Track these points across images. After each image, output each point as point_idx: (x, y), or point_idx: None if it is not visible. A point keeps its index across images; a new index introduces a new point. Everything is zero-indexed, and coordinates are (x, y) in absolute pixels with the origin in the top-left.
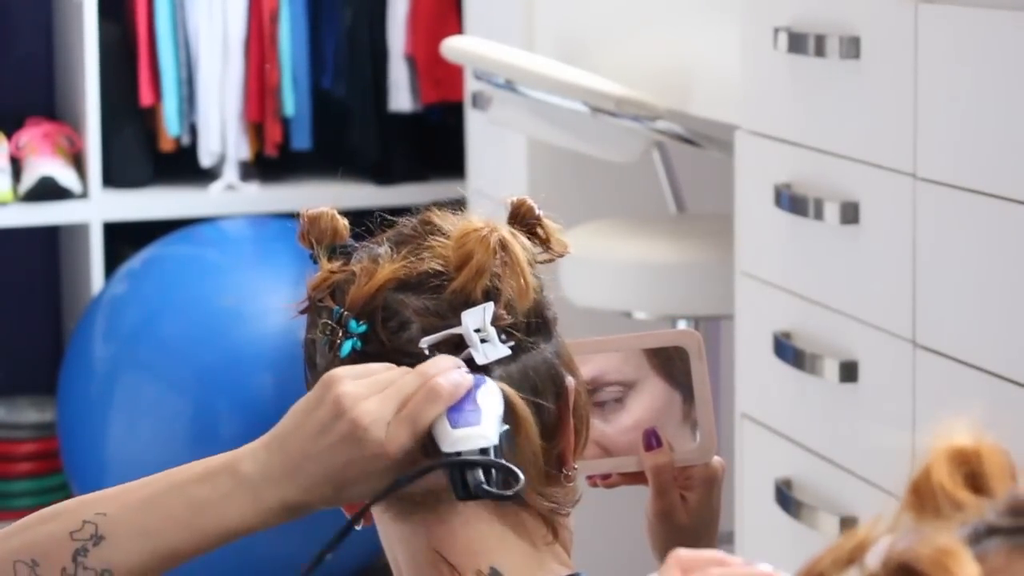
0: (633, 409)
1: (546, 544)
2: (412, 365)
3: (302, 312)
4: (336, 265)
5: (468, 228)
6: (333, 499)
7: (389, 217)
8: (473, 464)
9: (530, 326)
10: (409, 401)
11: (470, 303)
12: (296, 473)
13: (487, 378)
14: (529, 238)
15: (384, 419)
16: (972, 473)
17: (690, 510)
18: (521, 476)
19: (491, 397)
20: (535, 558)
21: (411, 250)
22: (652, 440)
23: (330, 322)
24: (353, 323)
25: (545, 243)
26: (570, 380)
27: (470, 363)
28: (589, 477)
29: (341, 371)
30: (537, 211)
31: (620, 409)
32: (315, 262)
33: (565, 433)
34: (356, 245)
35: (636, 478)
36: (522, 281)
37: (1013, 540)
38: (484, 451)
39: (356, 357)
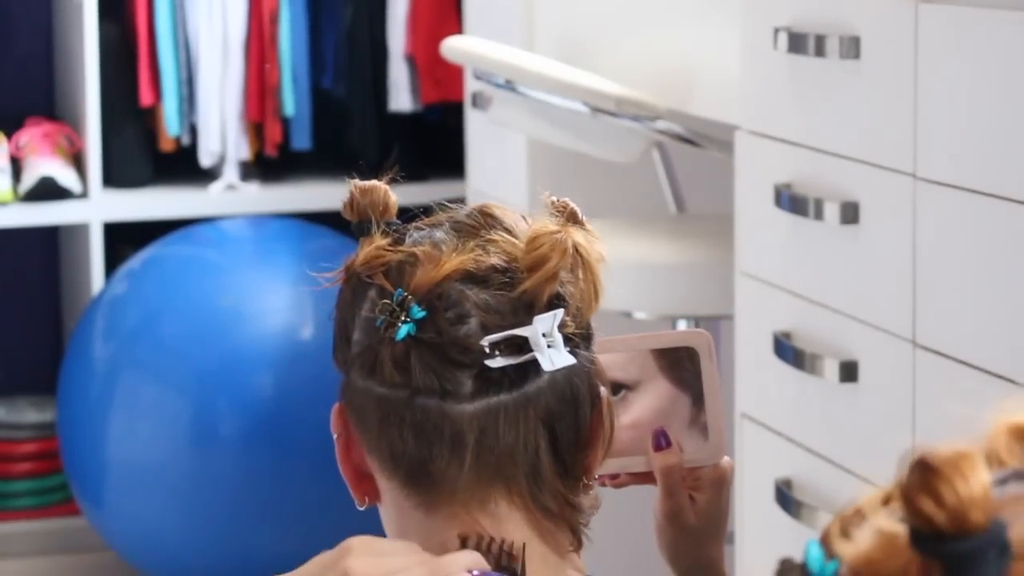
0: (633, 408)
1: (568, 552)
2: (467, 360)
3: (344, 282)
4: (387, 242)
5: (542, 230)
6: None
7: (393, 220)
8: None
9: (585, 334)
10: None
11: (536, 305)
12: None
13: None
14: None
15: None
16: None
17: (699, 511)
18: None
19: None
20: (555, 565)
21: (479, 243)
22: (662, 440)
23: (390, 302)
24: (415, 308)
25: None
26: (604, 390)
27: (522, 367)
28: (598, 476)
29: (360, 541)
30: (581, 216)
31: (620, 408)
32: (361, 235)
33: (597, 443)
34: (407, 226)
35: (645, 478)
36: (593, 289)
37: None
38: None
39: (410, 342)
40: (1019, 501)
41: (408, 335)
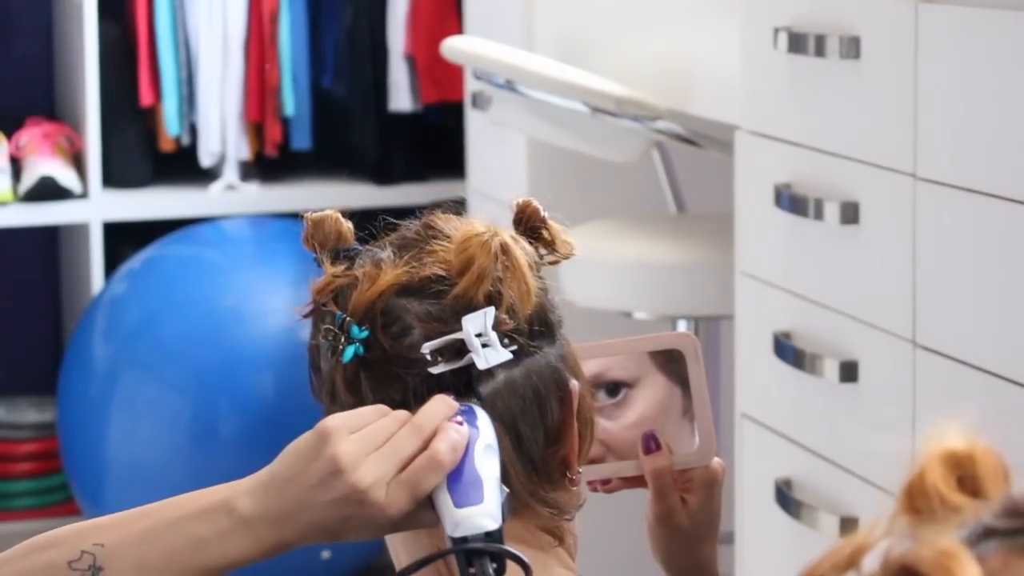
0: (636, 406)
1: (552, 547)
2: (414, 372)
3: (306, 316)
4: (340, 269)
5: (470, 233)
6: (329, 541)
7: (392, 220)
8: (480, 552)
9: (533, 330)
10: (408, 464)
11: (472, 308)
12: (293, 519)
13: (477, 410)
14: (534, 240)
15: (383, 480)
16: (965, 476)
17: (691, 512)
18: (530, 566)
19: (488, 456)
20: (540, 560)
21: (414, 255)
22: (651, 444)
23: (332, 328)
24: (355, 328)
25: (550, 245)
26: (574, 384)
27: (469, 372)
28: (589, 482)
29: (336, 423)
30: (542, 213)
31: (623, 406)
32: (319, 265)
33: (569, 437)
34: (360, 249)
35: (636, 482)
36: (524, 285)
37: (1010, 541)
38: (490, 534)
39: (358, 362)
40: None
41: (356, 355)
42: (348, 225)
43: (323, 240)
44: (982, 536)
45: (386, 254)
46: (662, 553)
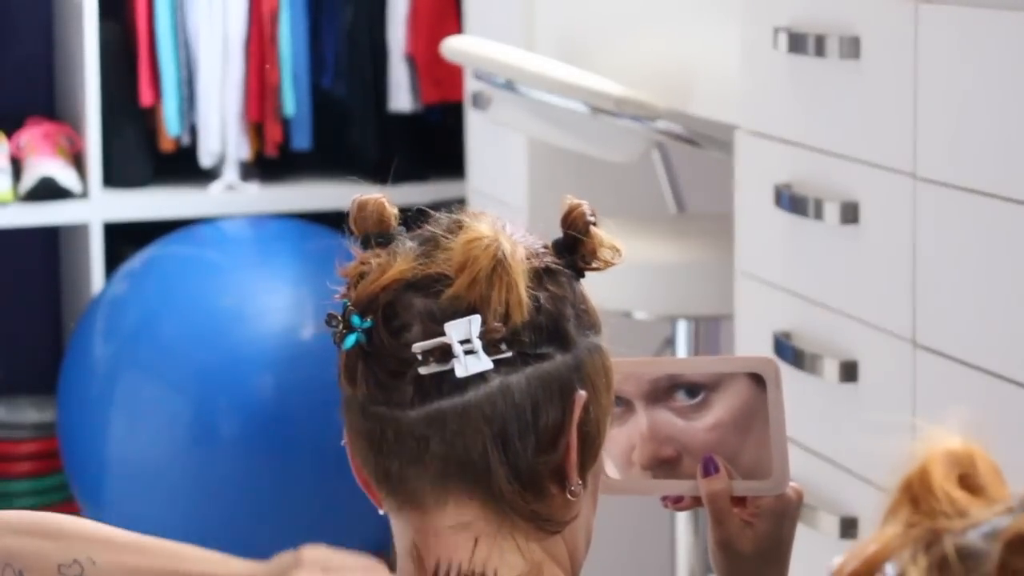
0: (715, 410)
1: (539, 561)
2: (407, 370)
3: (340, 298)
4: (369, 254)
5: (473, 236)
6: None
7: (428, 210)
8: None
9: (539, 338)
10: None
11: (464, 311)
12: None
13: None
14: (576, 245)
15: None
16: (966, 475)
17: (755, 539)
18: None
19: None
20: (533, 566)
21: (428, 250)
22: (710, 467)
23: (336, 314)
24: (356, 318)
25: (591, 253)
26: (581, 393)
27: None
28: (663, 498)
29: (314, 555)
30: (588, 218)
31: (701, 408)
32: (363, 249)
33: (563, 447)
34: (395, 236)
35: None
36: (515, 295)
37: None
38: None
39: (359, 352)
40: None
41: (358, 344)
42: (393, 211)
43: (363, 222)
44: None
45: (409, 246)
46: (723, 575)
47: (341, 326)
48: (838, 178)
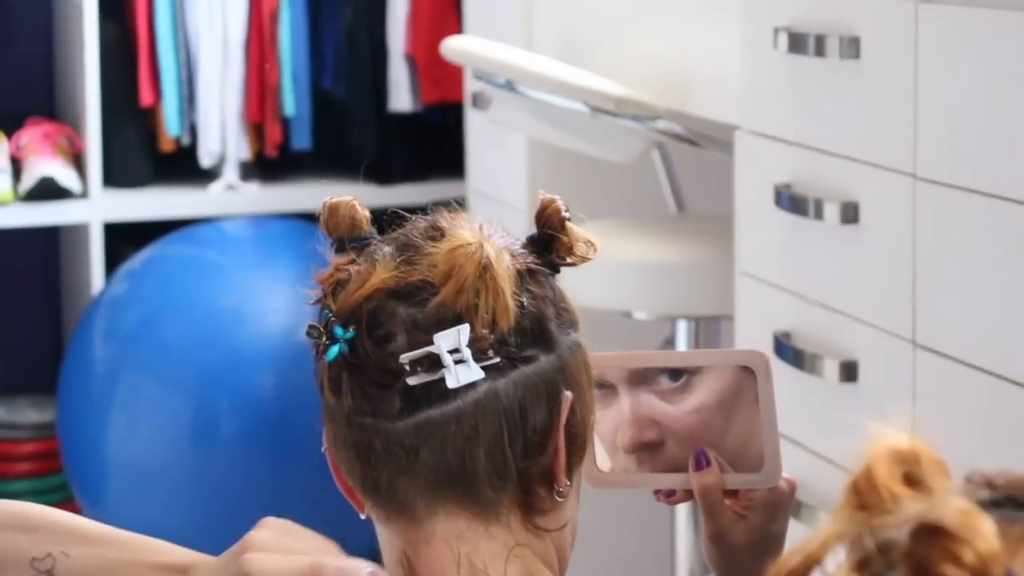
0: (698, 392)
1: (523, 557)
2: (394, 380)
3: (313, 304)
4: (344, 260)
5: (457, 242)
6: None
7: (403, 213)
8: None
9: (524, 340)
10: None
11: (451, 319)
12: None
13: None
14: (548, 243)
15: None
16: (910, 472)
17: (748, 531)
18: None
19: None
20: (525, 572)
21: (409, 256)
22: (701, 460)
23: (317, 325)
24: (339, 329)
25: (567, 249)
26: (567, 395)
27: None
28: (655, 491)
29: (260, 538)
30: (563, 214)
31: (684, 391)
32: (337, 253)
33: (552, 449)
34: (371, 240)
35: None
36: (502, 303)
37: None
38: None
39: (343, 362)
40: (1015, 543)
41: (341, 354)
42: (364, 214)
43: (334, 227)
44: (1005, 503)
45: (387, 251)
46: (717, 569)
47: (324, 337)
48: (838, 178)
